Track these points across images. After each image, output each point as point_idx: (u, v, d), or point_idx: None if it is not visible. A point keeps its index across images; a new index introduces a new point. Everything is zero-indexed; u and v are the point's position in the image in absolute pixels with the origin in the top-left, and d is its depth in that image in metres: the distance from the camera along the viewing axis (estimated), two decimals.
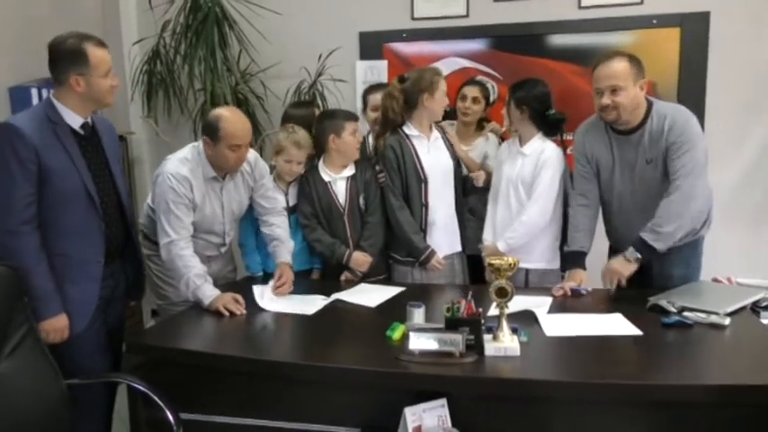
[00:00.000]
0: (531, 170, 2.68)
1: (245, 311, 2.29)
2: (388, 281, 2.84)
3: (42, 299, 2.02)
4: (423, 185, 2.81)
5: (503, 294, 1.86)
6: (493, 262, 1.88)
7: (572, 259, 2.56)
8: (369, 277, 2.80)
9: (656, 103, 2.45)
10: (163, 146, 3.90)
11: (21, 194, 2.00)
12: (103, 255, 2.17)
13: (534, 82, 2.75)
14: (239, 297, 2.33)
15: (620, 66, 2.36)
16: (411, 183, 2.81)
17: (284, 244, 2.64)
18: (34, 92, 3.51)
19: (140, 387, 1.93)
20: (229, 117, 2.41)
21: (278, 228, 2.67)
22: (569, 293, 2.42)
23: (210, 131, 2.40)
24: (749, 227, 3.55)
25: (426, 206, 2.83)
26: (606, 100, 2.38)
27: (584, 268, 2.54)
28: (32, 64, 3.56)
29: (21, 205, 2.00)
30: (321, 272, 2.92)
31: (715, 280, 2.64)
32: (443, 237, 2.86)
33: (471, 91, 3.01)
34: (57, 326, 2.07)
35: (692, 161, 2.33)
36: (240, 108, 3.53)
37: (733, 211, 3.40)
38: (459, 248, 2.90)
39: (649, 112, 2.41)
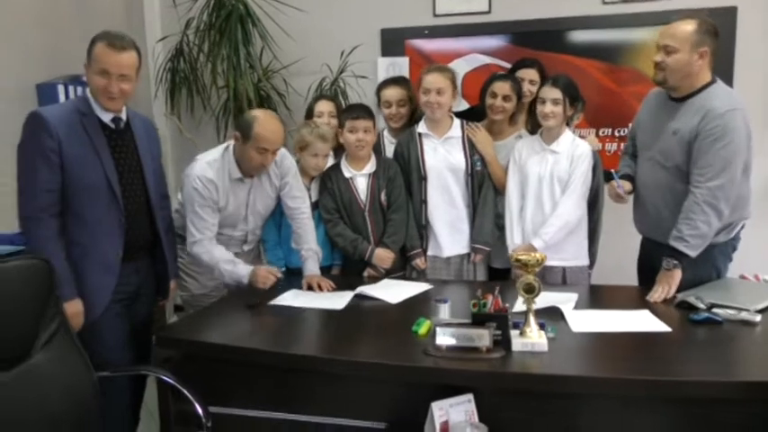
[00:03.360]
0: (566, 167, 2.66)
1: (280, 275, 2.53)
2: (403, 277, 2.86)
3: (57, 284, 2.00)
4: (423, 183, 2.84)
5: (530, 290, 1.85)
6: (520, 257, 1.88)
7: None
8: (389, 274, 2.80)
9: (717, 86, 2.34)
10: (186, 143, 3.94)
11: (41, 182, 2.05)
12: (122, 248, 2.20)
13: (563, 74, 2.74)
14: (273, 269, 2.53)
15: (682, 28, 2.28)
16: (412, 180, 2.86)
17: (312, 257, 2.66)
18: (61, 88, 3.57)
19: (169, 380, 1.95)
20: (264, 121, 2.46)
21: (302, 237, 2.68)
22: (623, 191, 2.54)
23: (243, 129, 2.46)
24: None
25: (426, 203, 2.85)
26: (657, 57, 2.34)
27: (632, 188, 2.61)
28: (59, 61, 3.63)
29: (40, 192, 2.06)
30: (341, 268, 2.93)
31: (742, 277, 2.60)
32: (447, 236, 2.86)
33: (502, 88, 2.87)
34: (71, 310, 2.07)
35: (721, 162, 2.22)
36: (263, 105, 3.59)
37: (761, 208, 3.34)
38: (467, 250, 2.87)
39: (706, 88, 2.32)
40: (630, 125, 2.75)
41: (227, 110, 3.78)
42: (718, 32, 2.32)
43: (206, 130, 4.01)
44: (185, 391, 1.91)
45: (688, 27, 2.28)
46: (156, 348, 2.43)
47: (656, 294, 2.28)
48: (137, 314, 2.33)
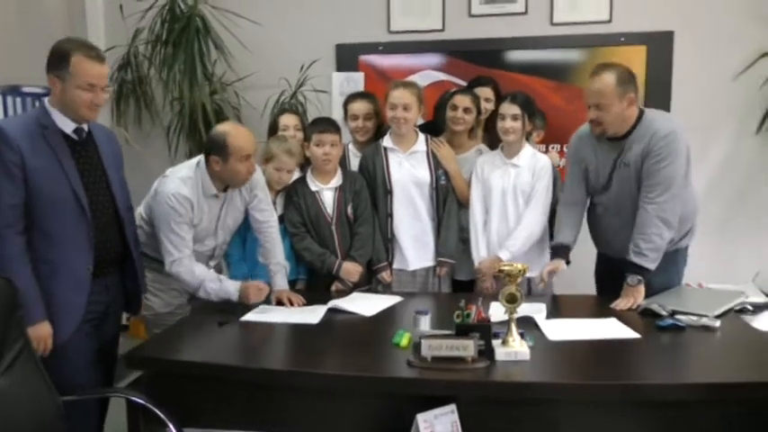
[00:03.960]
0: (528, 179, 2.75)
1: (268, 289, 2.51)
2: (369, 290, 2.85)
3: (24, 305, 1.90)
4: (388, 197, 2.86)
5: (512, 300, 1.89)
6: (504, 268, 1.92)
7: (555, 251, 2.66)
8: (355, 287, 2.80)
9: (648, 112, 2.48)
10: (134, 155, 3.80)
11: (3, 197, 1.95)
12: (93, 263, 2.11)
13: (521, 92, 2.84)
14: (261, 284, 2.49)
15: (605, 83, 2.37)
16: (378, 194, 2.87)
17: (281, 271, 2.63)
18: None
19: (142, 402, 1.87)
20: (233, 131, 2.43)
21: (270, 251, 2.64)
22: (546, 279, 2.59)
23: (218, 149, 2.40)
24: (713, 236, 3.70)
25: (391, 217, 2.87)
26: (592, 115, 2.45)
27: (567, 260, 2.65)
28: None
29: (3, 208, 1.95)
30: (306, 282, 2.90)
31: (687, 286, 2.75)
32: (413, 250, 2.88)
33: (462, 101, 2.93)
34: (39, 333, 1.98)
35: (668, 179, 2.37)
36: (217, 119, 3.53)
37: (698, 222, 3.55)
38: (432, 263, 2.90)
39: (639, 120, 2.44)
40: (569, 169, 2.73)
41: (181, 123, 3.68)
42: (634, 74, 2.46)
43: (155, 142, 3.90)
44: (160, 414, 1.84)
45: (610, 82, 2.37)
46: (118, 368, 2.35)
47: (622, 304, 2.37)
48: (105, 334, 2.23)
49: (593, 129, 2.50)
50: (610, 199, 2.57)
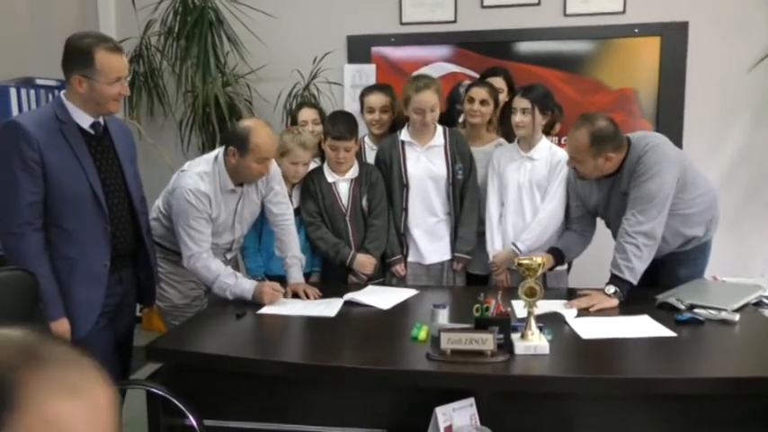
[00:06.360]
0: (545, 173, 2.73)
1: (284, 291, 2.45)
2: (383, 283, 2.85)
3: (44, 302, 1.93)
4: (404, 191, 2.85)
5: (532, 294, 1.89)
6: (523, 262, 1.92)
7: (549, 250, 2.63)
8: (369, 280, 2.80)
9: (633, 141, 2.42)
10: (147, 147, 3.82)
11: (23, 194, 1.95)
12: (109, 258, 2.12)
13: (539, 84, 2.81)
14: (276, 285, 2.44)
15: (578, 141, 2.36)
16: (394, 187, 2.86)
17: (297, 264, 2.63)
18: (13, 91, 3.40)
19: (163, 393, 1.89)
20: (259, 131, 2.40)
21: (286, 244, 2.64)
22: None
23: (239, 142, 2.38)
24: (727, 228, 3.67)
25: (406, 210, 2.86)
26: (570, 163, 2.47)
27: (554, 261, 2.61)
28: (10, 63, 3.46)
29: (23, 205, 1.95)
30: (320, 275, 2.90)
31: None
32: (428, 244, 2.88)
33: (479, 93, 2.88)
34: (58, 330, 1.99)
35: (649, 194, 2.33)
36: (230, 112, 3.53)
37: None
38: (448, 257, 2.89)
39: (627, 155, 2.41)
40: (572, 194, 2.72)
41: (193, 116, 3.69)
42: (616, 127, 2.39)
43: (168, 135, 3.91)
44: (180, 405, 1.85)
45: (582, 140, 2.34)
46: (133, 360, 2.37)
47: (584, 302, 2.27)
48: (120, 326, 2.25)
49: (575, 173, 2.52)
50: (615, 218, 2.54)
